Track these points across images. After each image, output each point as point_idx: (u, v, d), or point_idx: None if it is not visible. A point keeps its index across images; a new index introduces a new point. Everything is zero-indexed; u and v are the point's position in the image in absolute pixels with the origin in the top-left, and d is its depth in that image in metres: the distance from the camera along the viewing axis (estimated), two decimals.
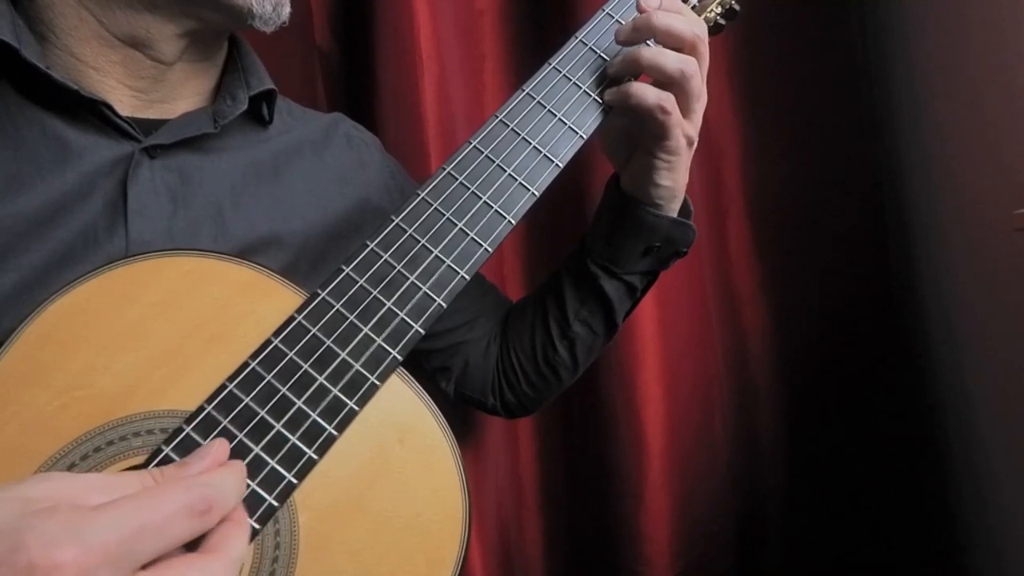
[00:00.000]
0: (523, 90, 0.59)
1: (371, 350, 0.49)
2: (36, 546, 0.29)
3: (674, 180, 0.66)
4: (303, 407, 0.46)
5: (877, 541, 1.06)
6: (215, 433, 0.44)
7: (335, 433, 0.46)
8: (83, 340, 0.45)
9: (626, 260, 0.70)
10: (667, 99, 0.60)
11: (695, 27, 0.61)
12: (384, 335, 0.49)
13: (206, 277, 0.49)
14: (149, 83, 0.62)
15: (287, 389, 0.46)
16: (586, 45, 0.62)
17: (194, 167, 0.62)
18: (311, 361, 0.47)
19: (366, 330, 0.49)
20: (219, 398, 0.45)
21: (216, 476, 0.38)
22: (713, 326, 1.08)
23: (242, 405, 0.45)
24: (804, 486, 1.07)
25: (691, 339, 1.05)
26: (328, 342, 0.48)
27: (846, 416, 1.07)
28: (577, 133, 0.59)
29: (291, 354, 0.47)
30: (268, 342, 0.47)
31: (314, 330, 0.48)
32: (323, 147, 0.73)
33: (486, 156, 0.56)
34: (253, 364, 0.46)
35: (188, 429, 0.44)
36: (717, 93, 1.08)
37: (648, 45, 0.61)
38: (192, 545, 0.35)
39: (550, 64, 0.61)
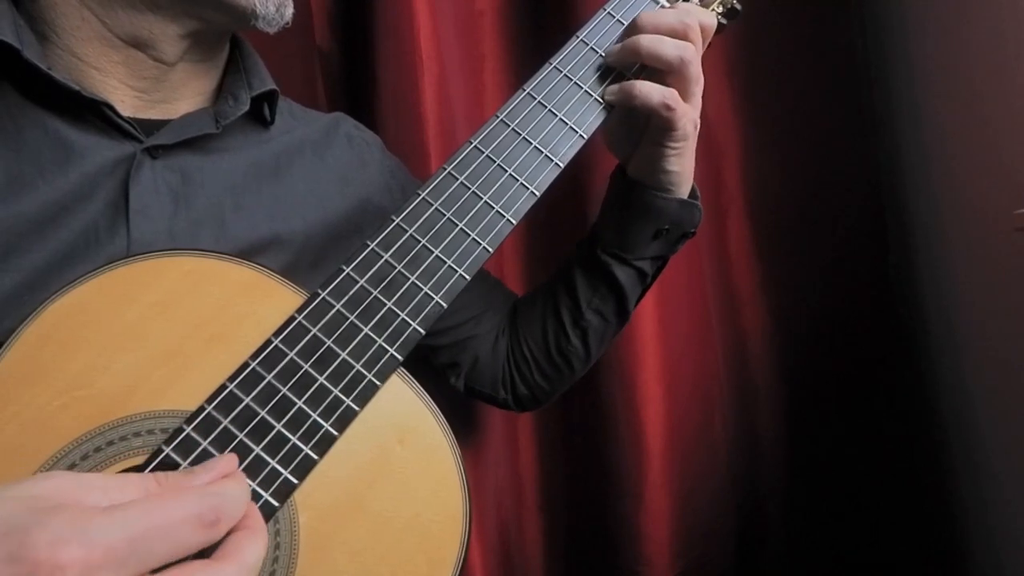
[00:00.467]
0: (524, 90, 0.59)
1: (371, 350, 0.49)
2: (42, 543, 0.29)
3: (682, 165, 0.67)
4: (303, 407, 0.46)
5: (877, 541, 1.05)
6: (215, 433, 0.44)
7: (335, 433, 0.46)
8: (83, 340, 0.45)
9: (636, 246, 0.71)
10: (671, 96, 0.61)
11: (682, 16, 0.61)
12: (385, 335, 0.49)
13: (206, 277, 0.49)
14: (151, 83, 0.62)
15: (287, 389, 0.46)
16: (587, 45, 0.62)
17: (196, 167, 0.62)
18: (311, 361, 0.47)
19: (366, 330, 0.49)
20: (219, 398, 0.45)
21: (225, 486, 0.37)
22: (713, 326, 1.08)
23: (242, 405, 0.45)
24: (804, 486, 1.07)
25: (691, 339, 1.05)
26: (328, 342, 0.48)
27: (846, 416, 1.07)
28: (578, 133, 0.59)
29: (291, 354, 0.47)
30: (268, 342, 0.47)
31: (314, 330, 0.48)
32: (324, 147, 0.73)
33: (487, 156, 0.56)
34: (253, 364, 0.46)
35: (188, 429, 0.44)
36: (717, 93, 1.08)
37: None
38: (205, 554, 0.35)
39: (551, 64, 0.61)
